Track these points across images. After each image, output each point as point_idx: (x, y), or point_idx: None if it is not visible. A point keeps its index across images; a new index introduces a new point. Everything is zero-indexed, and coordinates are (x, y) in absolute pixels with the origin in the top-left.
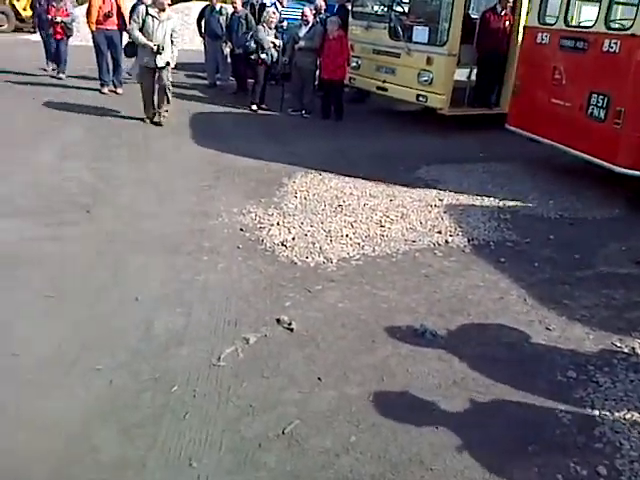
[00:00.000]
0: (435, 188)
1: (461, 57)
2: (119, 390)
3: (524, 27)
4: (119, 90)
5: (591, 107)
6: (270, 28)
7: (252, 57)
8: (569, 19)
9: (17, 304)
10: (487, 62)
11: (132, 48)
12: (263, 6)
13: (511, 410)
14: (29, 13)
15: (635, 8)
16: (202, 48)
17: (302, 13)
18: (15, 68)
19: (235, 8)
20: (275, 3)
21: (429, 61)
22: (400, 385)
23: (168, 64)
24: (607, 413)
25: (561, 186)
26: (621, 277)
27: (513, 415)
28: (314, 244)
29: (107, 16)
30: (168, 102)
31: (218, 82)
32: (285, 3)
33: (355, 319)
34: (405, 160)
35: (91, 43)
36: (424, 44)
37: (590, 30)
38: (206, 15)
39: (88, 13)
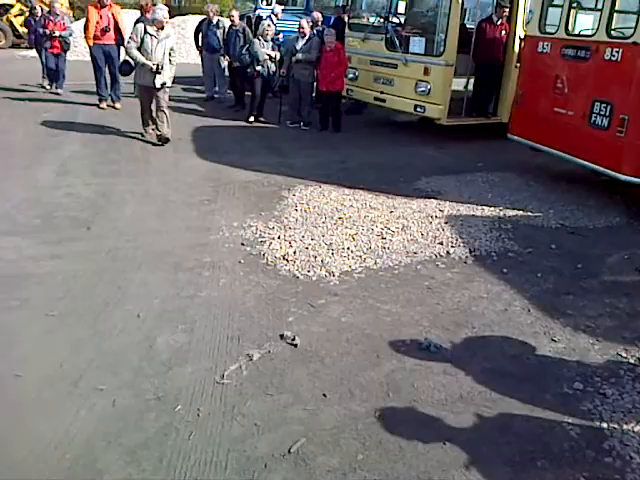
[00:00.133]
0: (435, 199)
1: (458, 67)
2: (123, 410)
3: (525, 36)
4: (117, 105)
5: (594, 115)
6: (266, 41)
7: (248, 70)
8: (570, 28)
9: (18, 323)
10: (484, 72)
11: (128, 67)
12: (259, 19)
13: (519, 424)
14: (26, 29)
15: (636, 16)
16: (199, 61)
17: (299, 25)
18: (13, 84)
19: (233, 22)
20: (270, 16)
21: (426, 71)
22: (406, 401)
23: (164, 85)
24: (615, 426)
25: (560, 195)
26: (624, 286)
27: (521, 429)
28: (316, 257)
29: (105, 31)
30: (168, 123)
31: (216, 95)
32: (280, 16)
33: (359, 333)
34: (404, 171)
35: (88, 58)
36: (421, 55)
37: (591, 39)
38: (203, 29)
39: (85, 28)
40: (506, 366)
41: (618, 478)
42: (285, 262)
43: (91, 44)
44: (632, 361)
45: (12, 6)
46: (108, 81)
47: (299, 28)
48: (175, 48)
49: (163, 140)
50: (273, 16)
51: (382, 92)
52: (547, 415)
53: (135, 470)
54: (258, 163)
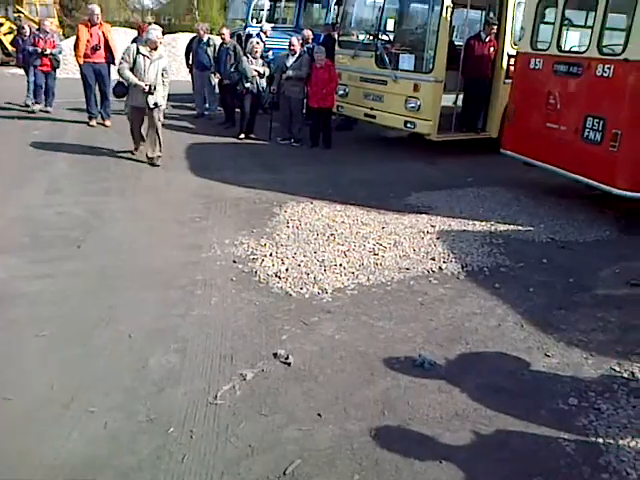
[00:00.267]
0: (426, 214)
1: (447, 83)
2: (115, 433)
3: (517, 53)
4: (107, 122)
5: (587, 130)
6: (255, 58)
7: (237, 87)
8: (562, 45)
9: (8, 344)
10: (473, 88)
11: (122, 88)
12: (249, 37)
13: (515, 441)
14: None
15: (625, 34)
16: (189, 79)
17: (289, 43)
18: (2, 102)
19: (223, 39)
20: (259, 34)
21: (416, 88)
22: (401, 419)
23: (157, 105)
24: (611, 441)
25: (550, 209)
26: (616, 300)
27: (517, 446)
28: (308, 274)
29: (95, 49)
30: (160, 145)
31: (206, 112)
32: (269, 33)
33: (353, 351)
34: (395, 187)
35: (78, 75)
36: (410, 71)
37: (583, 55)
38: (194, 47)
39: (76, 46)
40: (501, 382)
41: None
42: (277, 279)
43: (81, 62)
44: (626, 375)
45: (1, 24)
46: (98, 99)
47: (289, 45)
48: (168, 68)
49: (152, 163)
50: (262, 34)
51: (372, 108)
52: (543, 431)
53: None
54: (249, 180)
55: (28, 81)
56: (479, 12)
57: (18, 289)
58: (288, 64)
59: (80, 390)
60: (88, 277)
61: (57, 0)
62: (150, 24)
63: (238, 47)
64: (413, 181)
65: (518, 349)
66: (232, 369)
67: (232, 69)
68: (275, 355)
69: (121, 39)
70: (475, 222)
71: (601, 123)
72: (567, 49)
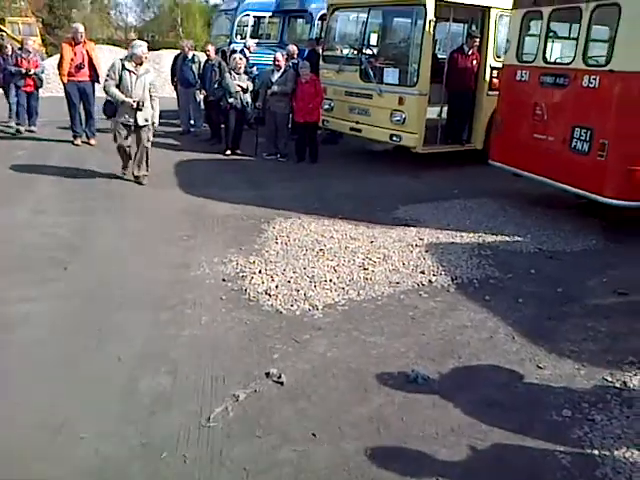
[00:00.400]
0: (414, 227)
1: (431, 96)
2: (106, 459)
3: (503, 65)
4: (92, 141)
5: (574, 141)
6: (238, 74)
7: (221, 103)
8: (547, 56)
9: None
10: (457, 100)
11: (111, 107)
12: (234, 53)
13: (511, 455)
14: None
15: (610, 45)
16: (174, 95)
17: (274, 58)
18: None
19: (209, 56)
20: (243, 50)
21: (401, 101)
22: (397, 436)
23: (147, 121)
24: (607, 452)
25: (536, 219)
26: (604, 309)
27: (513, 460)
28: (298, 291)
29: (79, 68)
30: (147, 163)
31: (192, 129)
32: (253, 49)
33: (345, 368)
34: (382, 200)
35: (61, 94)
36: (395, 85)
37: (569, 66)
38: (178, 64)
39: (60, 65)
40: (494, 395)
41: None
42: (267, 297)
43: (65, 81)
44: (618, 385)
45: None
46: (83, 117)
47: (274, 61)
48: (156, 84)
49: (138, 182)
50: (246, 49)
51: (358, 122)
52: (538, 444)
53: None
54: (236, 196)
55: (10, 102)
56: (461, 25)
57: (3, 313)
58: (273, 79)
59: (70, 416)
60: (75, 299)
61: (40, 18)
62: (134, 40)
63: (223, 63)
64: (400, 194)
65: (510, 361)
66: (224, 390)
67: (216, 85)
68: (267, 374)
69: (105, 57)
70: (463, 234)
71: (588, 133)
72: (553, 61)
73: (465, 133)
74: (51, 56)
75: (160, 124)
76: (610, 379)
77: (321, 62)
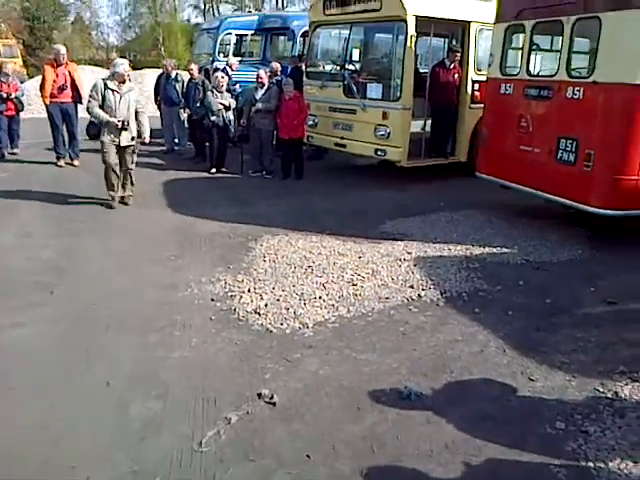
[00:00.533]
0: (402, 241)
1: (414, 110)
2: None
3: (487, 79)
4: (76, 162)
5: (560, 152)
6: (220, 92)
7: (204, 121)
8: (531, 69)
9: None
10: (440, 114)
11: (95, 127)
12: (216, 71)
13: (506, 470)
14: None
15: (593, 57)
16: (157, 114)
17: (257, 76)
18: None
19: (192, 75)
20: (225, 68)
21: (385, 116)
22: (392, 455)
23: (133, 140)
24: (601, 465)
25: (523, 230)
26: (593, 318)
27: (509, 476)
28: (288, 309)
29: (62, 89)
30: (132, 184)
31: (176, 148)
32: (236, 67)
33: (338, 386)
34: (369, 215)
35: (43, 115)
36: (379, 100)
37: (553, 79)
38: (162, 83)
39: (42, 87)
40: (488, 410)
41: None
42: (257, 316)
43: (48, 102)
44: (610, 395)
45: None
46: (66, 138)
47: (257, 78)
48: (141, 100)
49: (124, 202)
50: (228, 67)
51: (342, 137)
52: (533, 458)
53: None
54: (223, 214)
55: None
56: (442, 40)
57: None
58: (257, 97)
59: (58, 445)
60: (62, 324)
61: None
62: (115, 58)
63: (206, 82)
64: (386, 208)
65: (502, 374)
66: (216, 413)
67: (198, 104)
68: (259, 395)
69: (87, 77)
70: (450, 247)
71: (574, 144)
72: (536, 73)
73: (449, 146)
74: (32, 77)
75: (143, 143)
76: (602, 389)
77: (304, 78)
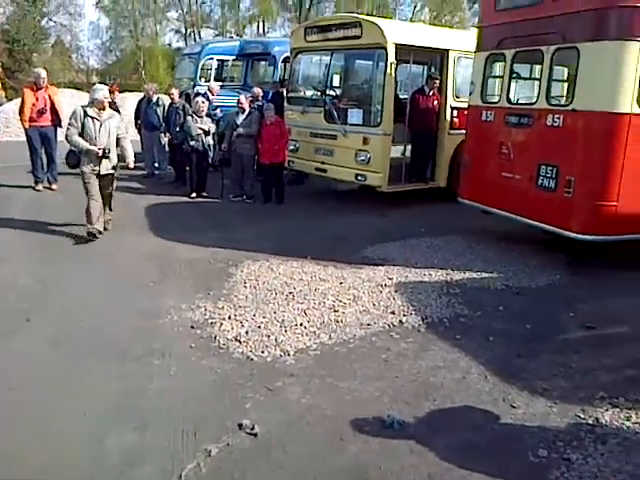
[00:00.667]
0: (383, 266)
1: (395, 135)
2: None
3: (469, 106)
4: (54, 186)
5: (541, 178)
6: (200, 117)
7: (183, 146)
8: (511, 97)
9: None
10: (419, 140)
11: (75, 157)
12: (198, 95)
13: None
14: None
15: (572, 85)
16: (137, 138)
17: (238, 101)
18: None
19: (172, 99)
20: (206, 92)
21: (365, 141)
22: None
23: (115, 168)
24: None
25: (503, 255)
26: (573, 344)
27: None
28: (269, 336)
29: (41, 113)
30: (111, 209)
31: (156, 172)
32: (217, 91)
33: (320, 416)
34: (350, 240)
35: (21, 138)
36: (359, 125)
37: (533, 107)
38: (143, 107)
39: (21, 110)
40: (471, 438)
41: None
42: (238, 343)
43: (27, 126)
44: (591, 422)
45: None
46: (44, 162)
47: (238, 103)
48: (122, 127)
49: (104, 227)
50: (209, 92)
51: (323, 162)
52: None
53: None
54: (203, 239)
55: None
56: (421, 67)
57: None
58: (238, 122)
59: (34, 477)
60: (38, 353)
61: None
62: (95, 83)
63: (187, 106)
64: (367, 233)
65: (484, 402)
66: (196, 445)
67: (178, 128)
68: (240, 426)
69: (67, 101)
70: (431, 272)
71: (554, 170)
72: (517, 101)
73: (429, 171)
74: (11, 100)
75: (123, 167)
76: (583, 415)
77: (286, 104)
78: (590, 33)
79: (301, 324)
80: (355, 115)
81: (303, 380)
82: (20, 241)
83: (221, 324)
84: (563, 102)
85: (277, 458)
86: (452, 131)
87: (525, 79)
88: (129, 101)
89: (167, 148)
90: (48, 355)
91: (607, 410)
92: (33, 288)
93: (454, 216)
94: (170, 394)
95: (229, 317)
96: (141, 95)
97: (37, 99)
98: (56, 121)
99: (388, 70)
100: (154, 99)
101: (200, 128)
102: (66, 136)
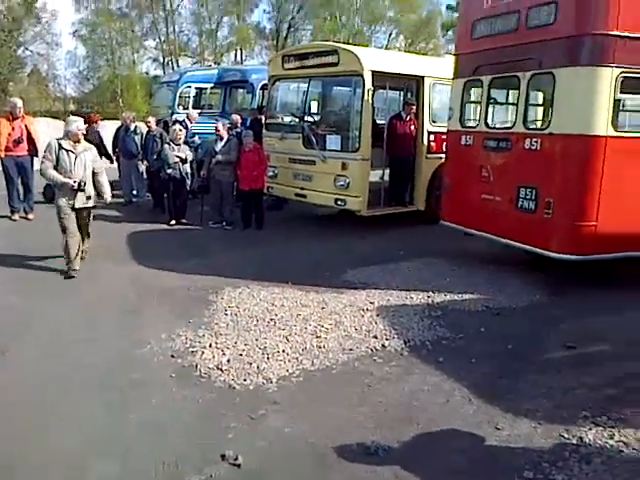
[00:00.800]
0: (364, 290)
1: (373, 160)
2: None
3: (448, 131)
4: (30, 216)
5: (521, 200)
6: (177, 144)
7: (161, 174)
8: (489, 121)
9: None
10: (397, 164)
11: (52, 190)
12: (176, 123)
13: None
14: None
15: (549, 109)
16: (114, 166)
17: (215, 128)
18: None
19: (149, 127)
20: (184, 120)
21: (344, 166)
22: None
23: (90, 199)
24: None
25: (482, 277)
26: (555, 363)
27: None
28: (251, 364)
29: (17, 142)
30: (88, 237)
31: (134, 200)
32: (195, 118)
33: (303, 444)
34: (330, 264)
35: None
36: (338, 151)
37: (511, 131)
38: (121, 135)
39: None
40: (456, 461)
41: None
42: (219, 372)
43: (3, 156)
44: (575, 442)
45: None
46: (21, 192)
47: (216, 131)
48: (98, 160)
49: (80, 257)
50: (187, 120)
51: (302, 188)
52: None
53: None
54: (183, 267)
55: None
56: (398, 93)
57: None
58: (217, 149)
59: None
60: (14, 387)
61: None
62: (69, 114)
63: (164, 134)
64: (347, 257)
65: (469, 424)
66: (178, 477)
67: (155, 156)
68: (223, 457)
69: (43, 130)
70: (412, 295)
71: (533, 192)
72: (495, 125)
73: (407, 195)
74: None
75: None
76: (567, 435)
77: (264, 130)
78: (565, 59)
79: (283, 351)
80: (333, 141)
81: (286, 407)
82: None
83: (202, 353)
84: (540, 126)
85: None
86: (429, 155)
87: (502, 104)
88: (107, 129)
89: (145, 176)
90: (26, 388)
91: (590, 429)
92: (8, 322)
93: (434, 238)
94: (151, 425)
95: (210, 345)
96: (119, 123)
97: (13, 129)
98: (32, 151)
99: (365, 96)
100: (132, 127)
101: (177, 156)
102: (40, 170)
